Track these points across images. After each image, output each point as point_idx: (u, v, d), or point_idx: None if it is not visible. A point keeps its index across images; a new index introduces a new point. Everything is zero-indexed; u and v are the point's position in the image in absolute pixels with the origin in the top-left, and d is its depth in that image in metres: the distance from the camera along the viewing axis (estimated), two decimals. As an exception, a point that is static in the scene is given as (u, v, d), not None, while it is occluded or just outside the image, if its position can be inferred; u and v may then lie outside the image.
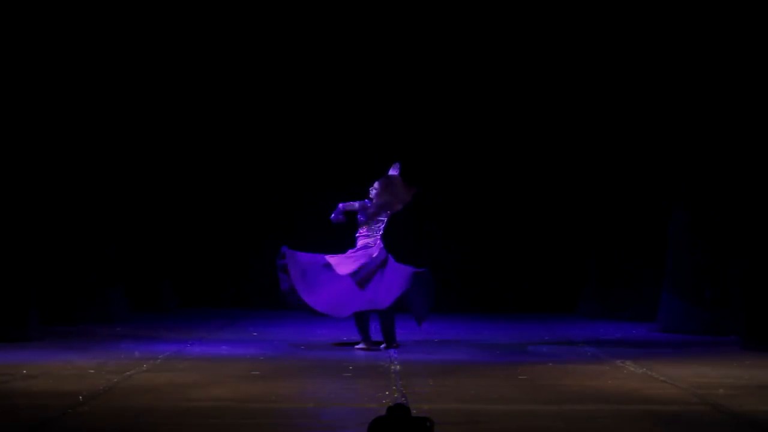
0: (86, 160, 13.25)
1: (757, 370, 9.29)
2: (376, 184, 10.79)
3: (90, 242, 13.22)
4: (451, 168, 15.27)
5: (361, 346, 10.74)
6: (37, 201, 12.24)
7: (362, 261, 10.59)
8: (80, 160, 13.17)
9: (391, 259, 10.70)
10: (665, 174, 13.29)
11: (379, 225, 10.70)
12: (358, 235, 10.73)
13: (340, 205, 10.74)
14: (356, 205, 10.73)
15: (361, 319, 10.74)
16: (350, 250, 10.71)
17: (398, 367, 9.37)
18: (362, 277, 10.52)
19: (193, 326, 12.73)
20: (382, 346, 10.70)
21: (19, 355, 9.88)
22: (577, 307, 14.61)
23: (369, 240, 10.68)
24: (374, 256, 10.60)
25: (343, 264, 10.61)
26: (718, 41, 12.12)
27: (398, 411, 5.58)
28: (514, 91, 15.03)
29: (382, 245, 10.69)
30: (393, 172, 10.88)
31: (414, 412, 5.80)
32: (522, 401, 7.71)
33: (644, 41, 13.25)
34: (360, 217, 10.71)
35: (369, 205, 10.71)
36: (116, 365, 9.24)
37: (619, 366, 9.53)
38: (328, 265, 10.61)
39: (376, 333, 10.95)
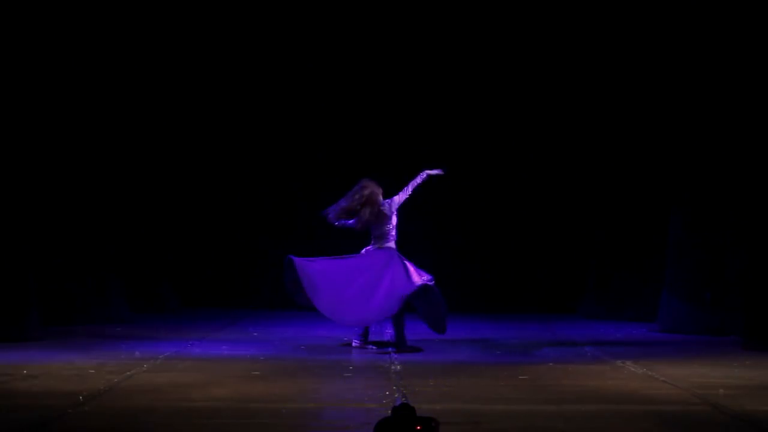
0: (86, 160, 13.25)
1: (757, 370, 9.29)
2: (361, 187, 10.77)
3: (90, 242, 13.22)
4: (452, 170, 15.24)
5: (355, 343, 10.77)
6: (37, 201, 12.24)
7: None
8: (80, 160, 13.18)
9: (395, 267, 10.69)
10: (665, 175, 13.30)
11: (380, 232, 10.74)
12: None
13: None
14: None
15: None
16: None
17: (398, 367, 9.37)
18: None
19: (193, 326, 12.73)
20: (371, 347, 10.72)
21: (19, 355, 9.88)
22: (578, 307, 14.61)
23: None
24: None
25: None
26: (718, 43, 12.12)
27: (403, 411, 5.57)
28: (516, 95, 15.03)
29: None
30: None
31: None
32: (522, 401, 7.71)
33: (644, 45, 13.26)
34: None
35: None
36: (116, 365, 9.24)
37: (619, 366, 9.53)
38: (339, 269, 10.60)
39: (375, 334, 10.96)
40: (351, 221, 10.72)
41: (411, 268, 10.58)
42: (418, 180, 10.77)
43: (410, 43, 14.89)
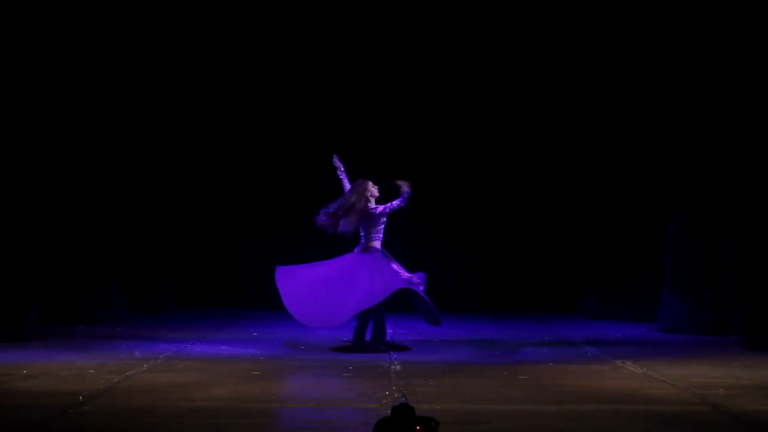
0: (86, 161, 13.26)
1: (757, 370, 9.29)
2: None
3: (90, 242, 13.23)
4: (453, 170, 15.27)
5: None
6: (37, 201, 12.25)
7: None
8: (80, 161, 13.18)
9: (383, 262, 10.68)
10: (665, 175, 13.30)
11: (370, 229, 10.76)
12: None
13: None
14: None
15: (361, 322, 10.75)
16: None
17: (398, 367, 9.37)
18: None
19: (193, 326, 12.74)
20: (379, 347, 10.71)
21: (19, 355, 9.88)
22: (578, 307, 14.62)
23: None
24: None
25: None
26: (718, 43, 12.13)
27: (403, 411, 5.57)
28: (516, 95, 15.03)
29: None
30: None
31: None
32: (522, 401, 7.71)
33: (644, 46, 13.26)
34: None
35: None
36: (116, 365, 9.24)
37: (619, 366, 9.53)
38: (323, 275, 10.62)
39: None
40: (341, 226, 10.72)
41: (396, 267, 10.62)
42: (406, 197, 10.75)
43: (409, 46, 14.88)
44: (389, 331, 12.05)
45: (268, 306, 14.58)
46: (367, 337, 10.80)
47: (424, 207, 13.21)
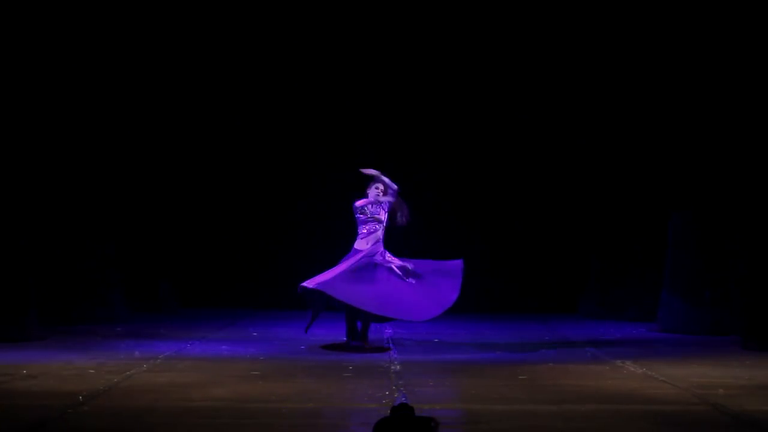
0: (86, 160, 13.27)
1: (757, 370, 9.29)
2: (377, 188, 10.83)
3: (90, 242, 13.23)
4: (453, 169, 15.27)
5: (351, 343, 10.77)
6: (37, 201, 12.26)
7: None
8: (80, 160, 13.19)
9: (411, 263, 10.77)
10: (666, 175, 13.31)
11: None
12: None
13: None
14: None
15: (352, 319, 10.76)
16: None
17: (398, 367, 9.37)
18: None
19: (193, 326, 12.73)
20: (353, 343, 10.71)
21: (19, 355, 9.88)
22: (578, 307, 14.62)
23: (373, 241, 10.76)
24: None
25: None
26: (718, 45, 12.14)
27: (403, 411, 5.57)
28: (516, 95, 15.03)
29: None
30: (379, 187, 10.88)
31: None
32: (522, 401, 7.71)
33: (645, 45, 13.27)
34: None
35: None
36: (116, 365, 9.24)
37: (619, 366, 9.53)
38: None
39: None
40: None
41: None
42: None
43: (413, 49, 14.89)
44: (389, 330, 12.06)
45: (268, 306, 14.62)
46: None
47: (423, 207, 13.17)
